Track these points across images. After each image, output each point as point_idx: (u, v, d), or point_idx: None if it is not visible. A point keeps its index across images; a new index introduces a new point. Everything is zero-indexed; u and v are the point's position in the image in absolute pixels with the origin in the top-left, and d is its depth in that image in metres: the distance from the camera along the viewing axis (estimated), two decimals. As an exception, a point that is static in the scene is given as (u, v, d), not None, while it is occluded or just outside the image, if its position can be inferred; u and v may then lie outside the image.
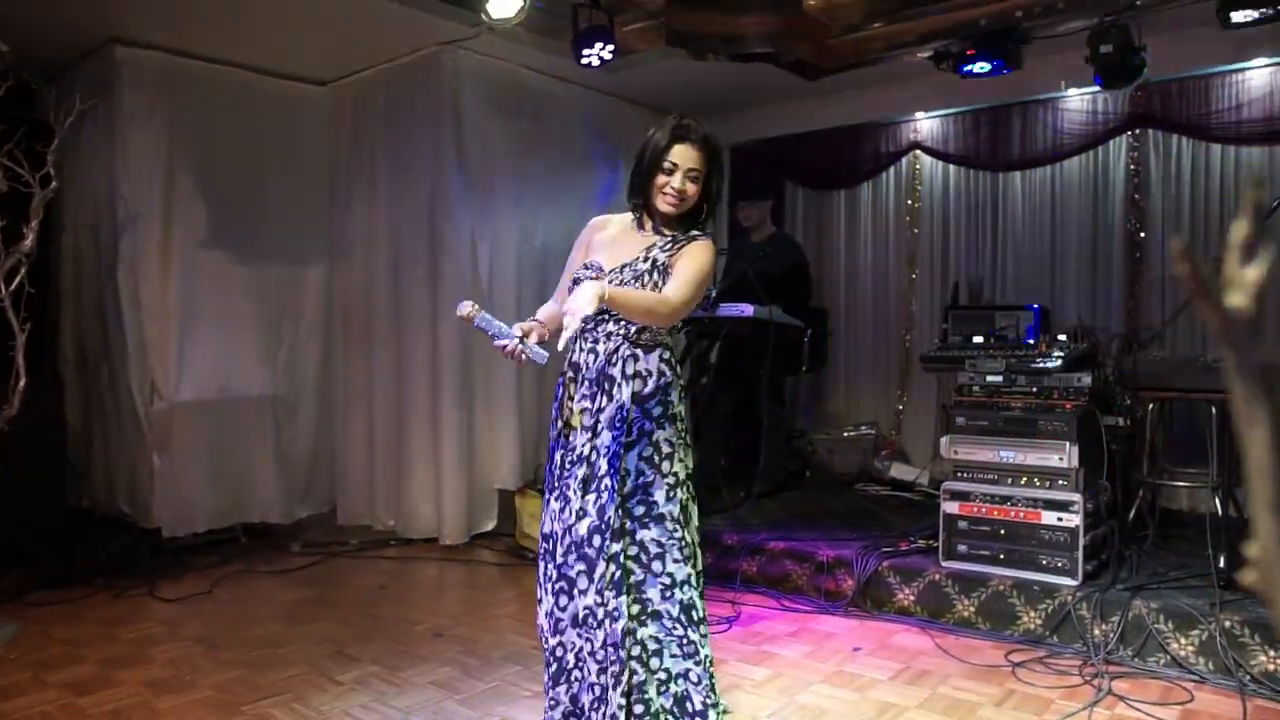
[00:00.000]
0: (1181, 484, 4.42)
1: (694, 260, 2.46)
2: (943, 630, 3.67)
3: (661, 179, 2.48)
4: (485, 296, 5.21)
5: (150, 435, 4.76)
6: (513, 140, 5.40)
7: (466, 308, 2.31)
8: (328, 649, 3.51)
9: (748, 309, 4.79)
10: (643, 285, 2.46)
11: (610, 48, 4.45)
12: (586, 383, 2.51)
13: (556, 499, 2.53)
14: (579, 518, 2.47)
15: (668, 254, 2.49)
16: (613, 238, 2.62)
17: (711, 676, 2.50)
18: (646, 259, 2.50)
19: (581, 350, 2.53)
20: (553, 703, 2.57)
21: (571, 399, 2.54)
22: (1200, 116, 4.84)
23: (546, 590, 2.56)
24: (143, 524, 4.80)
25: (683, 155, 2.46)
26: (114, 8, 4.40)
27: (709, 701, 2.47)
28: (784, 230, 5.93)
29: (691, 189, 2.48)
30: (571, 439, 2.54)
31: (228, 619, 3.89)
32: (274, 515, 5.29)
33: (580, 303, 2.16)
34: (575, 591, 2.50)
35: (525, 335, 2.35)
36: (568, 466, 2.53)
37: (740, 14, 4.92)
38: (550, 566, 2.56)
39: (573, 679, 2.56)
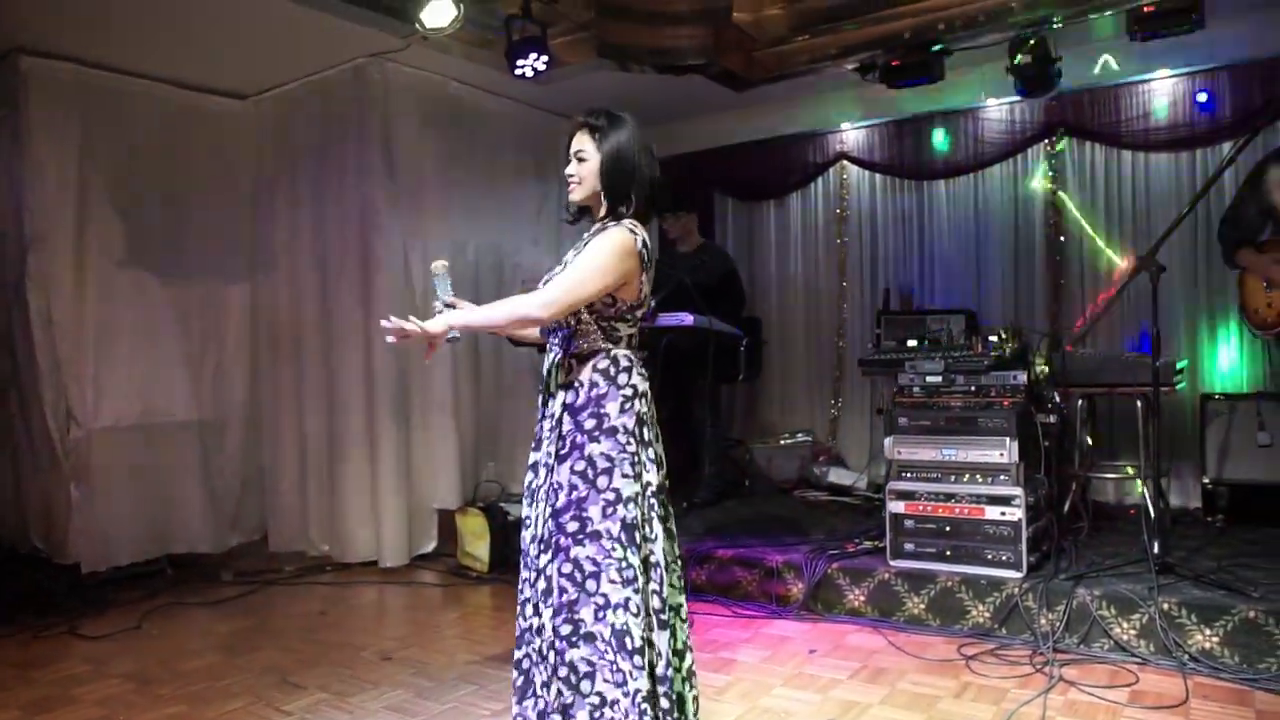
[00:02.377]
0: (1110, 476, 4.58)
1: (584, 253, 2.40)
2: (894, 628, 3.72)
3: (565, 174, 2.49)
4: (418, 309, 5.09)
5: (66, 464, 4.52)
6: (443, 153, 5.32)
7: (438, 265, 2.47)
8: (271, 679, 3.36)
9: (688, 318, 4.78)
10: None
11: (544, 59, 4.45)
12: (540, 393, 2.49)
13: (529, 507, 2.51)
14: (526, 527, 2.46)
15: (577, 251, 2.45)
16: (573, 247, 2.59)
17: (642, 714, 2.29)
18: (563, 262, 2.46)
19: (544, 360, 2.51)
20: (518, 717, 2.49)
21: (540, 405, 2.51)
22: (1110, 125, 5.06)
23: (519, 600, 2.51)
24: (58, 559, 4.55)
25: (574, 141, 2.46)
26: (17, 14, 4.19)
27: None
28: (711, 240, 5.97)
29: (581, 169, 2.43)
30: (532, 454, 2.51)
31: (159, 654, 3.70)
32: (202, 545, 5.07)
33: (429, 325, 2.27)
34: (526, 603, 2.46)
35: (452, 305, 2.40)
36: (530, 476, 2.50)
37: (669, 26, 4.97)
38: (520, 578, 2.51)
39: (538, 695, 2.49)
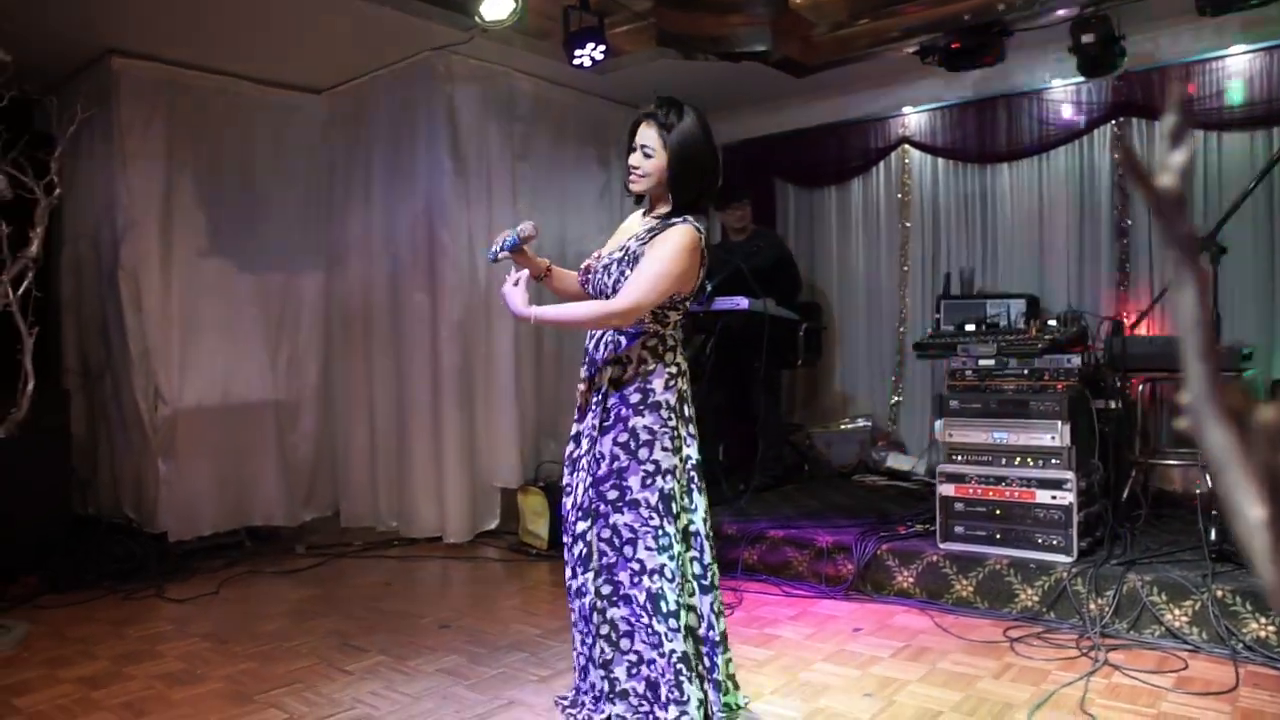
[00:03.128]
0: (1173, 463, 4.48)
1: (655, 253, 2.45)
2: (942, 610, 3.73)
3: (629, 161, 2.55)
4: (484, 296, 5.28)
5: (155, 441, 4.81)
6: (507, 143, 5.47)
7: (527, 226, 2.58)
8: (335, 642, 3.55)
9: (743, 302, 4.86)
10: (609, 275, 2.51)
11: (602, 48, 4.53)
12: (588, 365, 2.61)
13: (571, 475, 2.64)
14: (567, 494, 2.58)
15: (641, 244, 2.51)
16: (624, 227, 2.70)
17: (678, 674, 2.40)
18: (623, 249, 2.54)
19: (590, 335, 2.62)
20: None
21: (582, 380, 2.63)
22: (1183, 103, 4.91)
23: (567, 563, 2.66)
24: (148, 529, 4.84)
25: (640, 134, 2.52)
26: (111, 20, 4.47)
27: (673, 697, 2.40)
28: (765, 227, 5.97)
29: (646, 164, 2.50)
30: (575, 425, 2.62)
31: (235, 617, 3.94)
32: (278, 518, 5.33)
33: (513, 302, 2.45)
34: (568, 565, 2.60)
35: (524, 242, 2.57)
36: (571, 446, 2.62)
37: (728, 14, 5.01)
38: (566, 540, 2.65)
39: (577, 641, 2.64)
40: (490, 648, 3.45)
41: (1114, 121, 5.17)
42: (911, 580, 3.89)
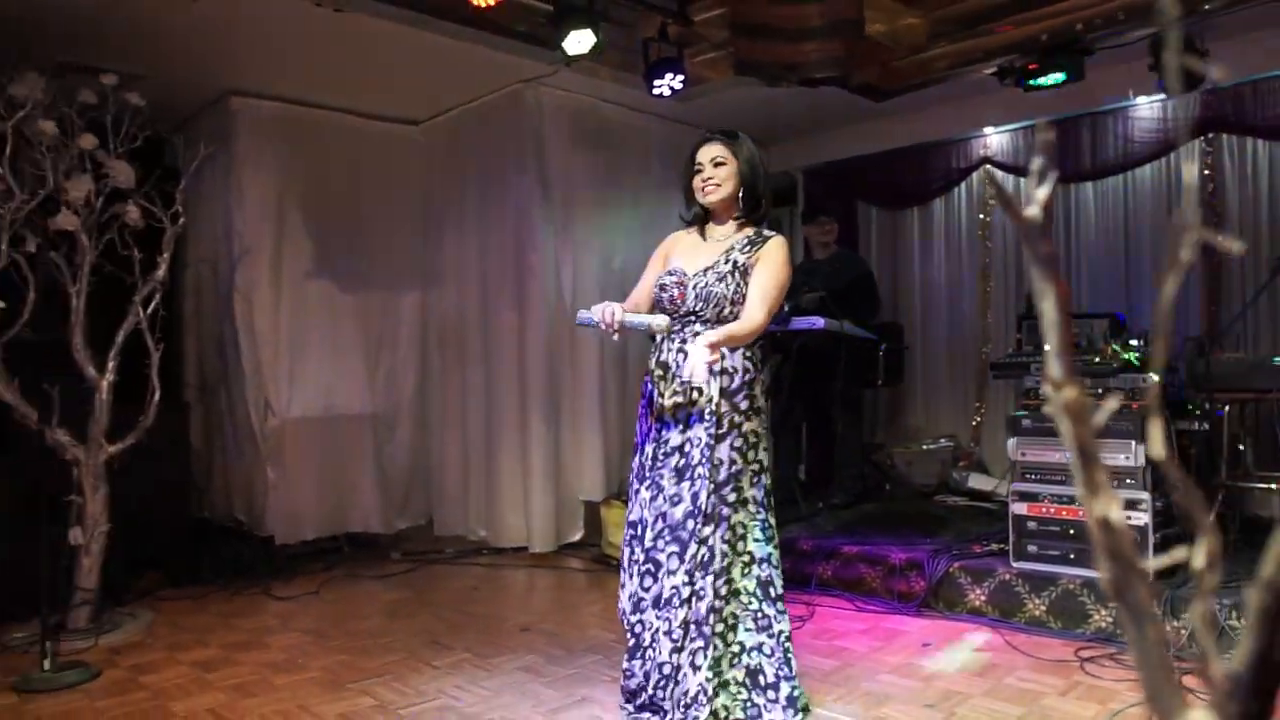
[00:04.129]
0: (1260, 486, 4.36)
1: (768, 267, 2.72)
2: (1013, 629, 3.73)
3: (698, 181, 2.80)
4: (570, 316, 5.49)
5: (264, 450, 5.17)
6: (593, 169, 5.70)
7: (664, 321, 2.68)
8: (424, 640, 3.78)
9: (819, 322, 4.94)
10: (726, 286, 2.72)
11: (680, 78, 4.71)
12: (677, 380, 2.76)
13: (647, 488, 2.78)
14: (674, 503, 2.70)
15: (746, 255, 2.76)
16: (691, 246, 2.91)
17: (787, 652, 2.66)
18: (728, 261, 2.76)
19: (669, 350, 2.79)
20: (629, 673, 2.80)
21: (663, 395, 2.79)
22: (1275, 118, 4.81)
23: (631, 574, 2.79)
24: (257, 532, 5.20)
25: (704, 152, 2.80)
26: (230, 63, 4.88)
27: (782, 674, 2.64)
28: (847, 248, 6.05)
29: (720, 173, 2.77)
30: (664, 433, 2.77)
31: (334, 615, 4.22)
32: (375, 525, 5.64)
33: (698, 370, 2.47)
34: (662, 573, 2.72)
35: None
36: (660, 458, 2.77)
37: (802, 42, 5.13)
38: (638, 551, 2.79)
39: (646, 656, 2.77)
40: (568, 650, 3.63)
41: (1203, 137, 5.08)
42: (984, 598, 3.91)
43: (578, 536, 5.57)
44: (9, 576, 3.79)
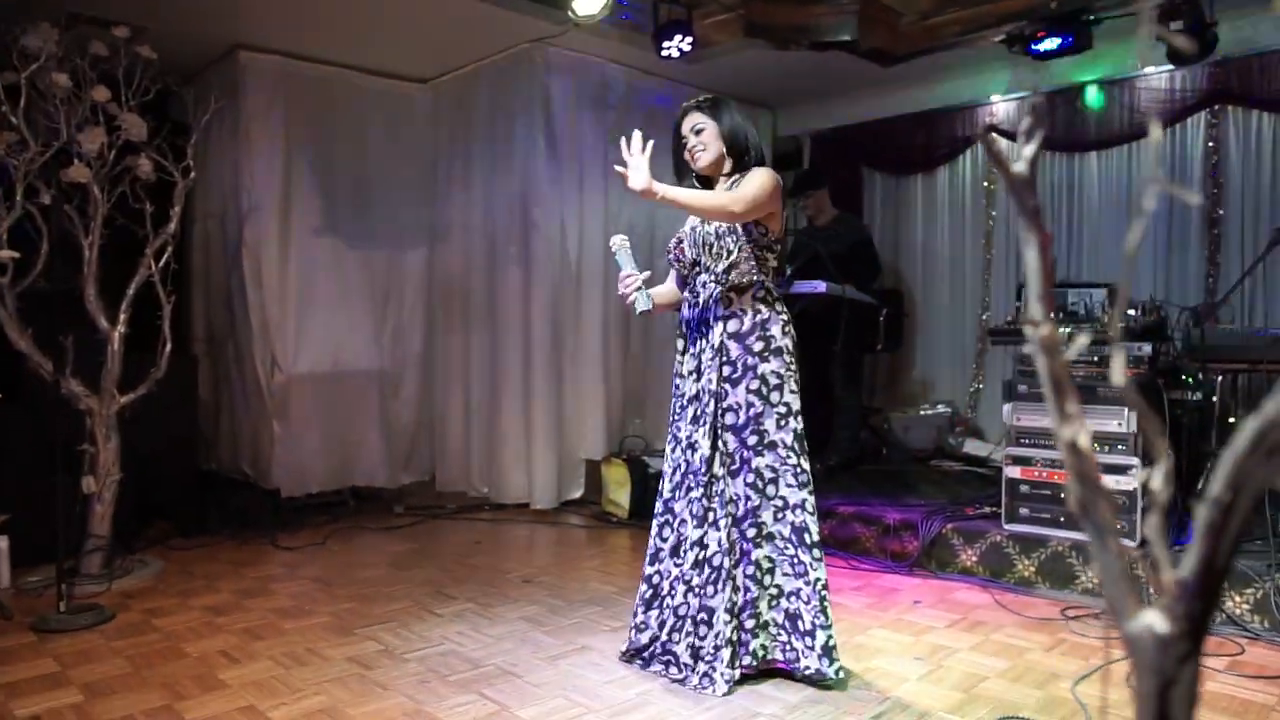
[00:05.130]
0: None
1: (753, 177, 2.75)
2: (1003, 588, 3.83)
3: (686, 154, 2.87)
4: (575, 276, 5.56)
5: (271, 405, 5.24)
6: (599, 130, 5.71)
7: (616, 240, 2.83)
8: (428, 589, 3.88)
9: (821, 286, 5.00)
10: (718, 225, 2.79)
11: (689, 40, 4.72)
12: (690, 331, 2.86)
13: (669, 441, 2.90)
14: (692, 450, 2.80)
15: (730, 188, 2.81)
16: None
17: (823, 599, 2.70)
18: (692, 230, 2.90)
19: (686, 304, 2.89)
20: (642, 625, 2.91)
21: (681, 351, 2.89)
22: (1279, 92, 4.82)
23: (652, 526, 2.91)
24: (263, 485, 5.29)
25: (685, 124, 2.87)
26: (238, 17, 4.88)
27: (819, 622, 2.70)
28: (848, 213, 6.08)
29: (702, 138, 2.83)
30: (680, 385, 2.89)
31: (339, 565, 4.32)
32: (379, 480, 5.73)
33: (635, 179, 2.59)
34: (677, 523, 2.83)
35: (636, 278, 2.78)
36: (678, 411, 2.89)
37: (813, 4, 5.13)
38: (658, 503, 2.92)
39: (664, 605, 2.88)
40: (568, 601, 3.73)
41: (1209, 109, 5.09)
42: (975, 559, 4.00)
43: (578, 494, 5.67)
44: (25, 523, 3.89)
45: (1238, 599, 3.33)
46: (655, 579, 2.92)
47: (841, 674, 2.74)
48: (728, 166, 2.86)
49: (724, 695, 2.67)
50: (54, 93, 3.78)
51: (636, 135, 2.65)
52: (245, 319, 5.27)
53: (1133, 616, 0.64)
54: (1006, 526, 3.97)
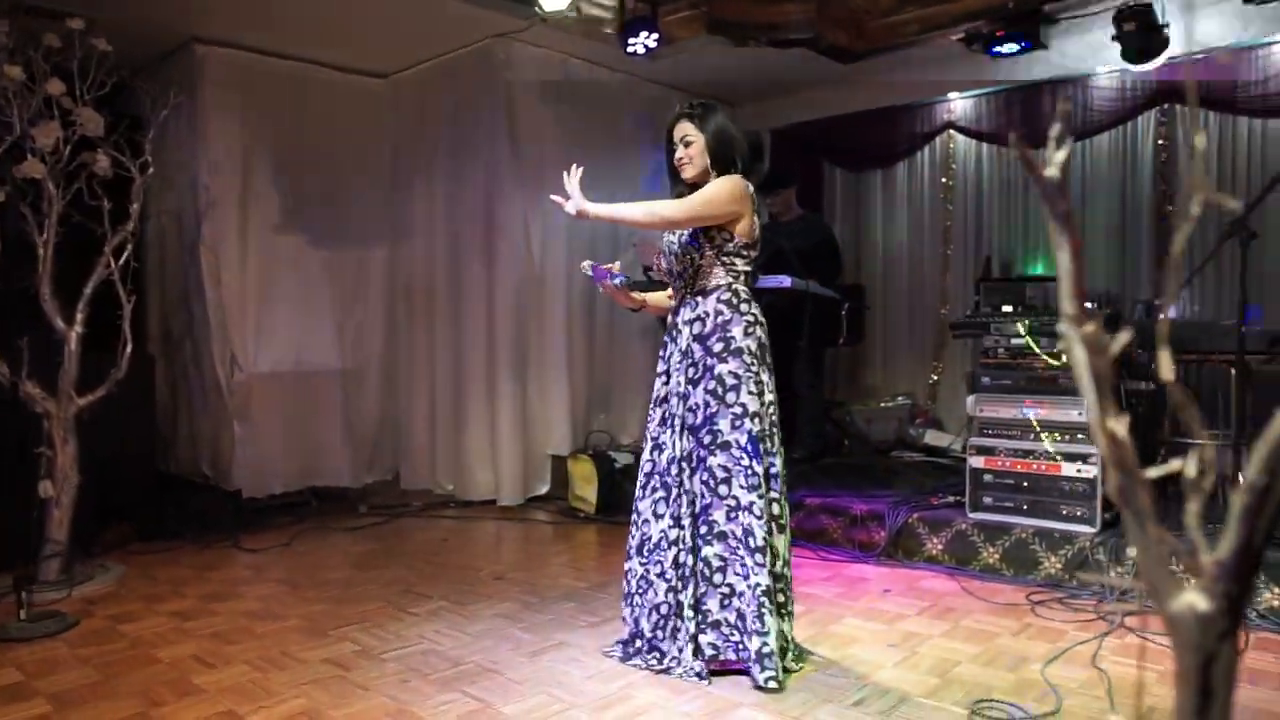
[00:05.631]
0: (1197, 442, 4.56)
1: (710, 184, 2.82)
2: (969, 576, 3.92)
3: (675, 161, 2.92)
4: (539, 273, 5.54)
5: (231, 404, 5.16)
6: (563, 126, 5.70)
7: (584, 266, 2.93)
8: (399, 589, 3.85)
9: (786, 281, 5.05)
10: (681, 242, 2.87)
11: (655, 36, 4.74)
12: (667, 336, 2.94)
13: (645, 442, 2.96)
14: (660, 451, 2.87)
15: None
16: None
17: (761, 606, 2.68)
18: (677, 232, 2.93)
19: (670, 311, 2.97)
20: (623, 619, 2.95)
21: (661, 356, 2.97)
22: (1227, 91, 4.98)
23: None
24: (224, 486, 5.20)
25: (676, 132, 2.90)
26: (193, 9, 4.78)
27: (754, 628, 2.70)
28: (811, 211, 6.15)
29: (689, 150, 2.87)
30: (656, 388, 2.96)
31: (306, 566, 4.27)
32: (343, 479, 5.67)
33: (569, 206, 2.77)
34: (641, 521, 2.89)
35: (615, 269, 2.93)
36: (652, 412, 2.96)
37: (776, 2, 5.18)
38: (635, 503, 2.97)
39: (634, 602, 2.93)
40: (542, 597, 3.73)
41: (1159, 108, 5.24)
42: (941, 547, 4.09)
43: (544, 490, 5.66)
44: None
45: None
46: (629, 577, 2.96)
47: (772, 684, 2.66)
48: (713, 177, 2.88)
49: (706, 685, 2.70)
50: (6, 86, 3.67)
51: (573, 168, 2.81)
52: (204, 317, 5.18)
53: (1174, 597, 0.67)
54: (971, 515, 4.05)
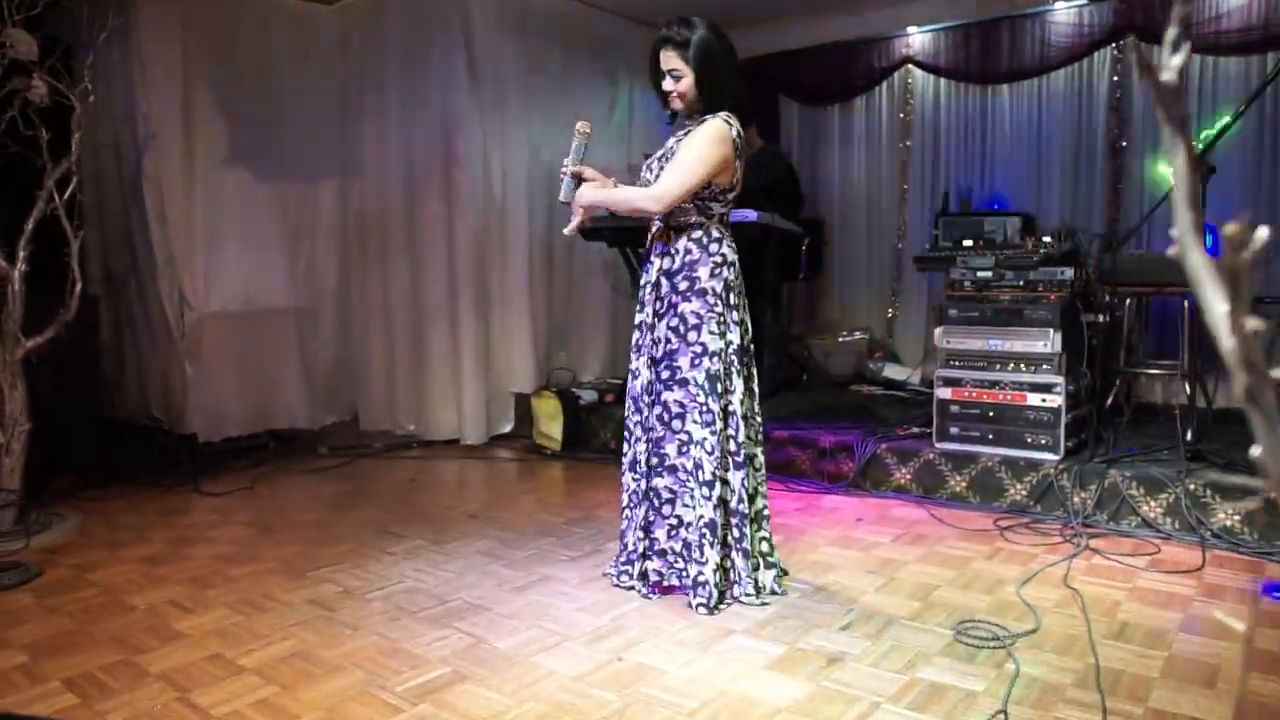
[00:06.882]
0: (1154, 372, 4.74)
1: (686, 145, 2.76)
2: (937, 504, 4.02)
3: (661, 87, 2.82)
4: (499, 207, 5.43)
5: (182, 345, 4.98)
6: (521, 59, 5.54)
7: (583, 125, 2.89)
8: (373, 529, 3.81)
9: (751, 215, 5.02)
10: (652, 174, 2.84)
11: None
12: (643, 267, 2.94)
13: (631, 364, 2.99)
14: (633, 378, 2.93)
15: (678, 140, 2.83)
16: (673, 135, 2.93)
17: (702, 537, 2.75)
18: (667, 149, 2.87)
19: (649, 236, 2.94)
20: (621, 534, 3.06)
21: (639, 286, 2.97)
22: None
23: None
24: (177, 430, 5.04)
25: (663, 60, 2.79)
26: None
27: (694, 556, 2.79)
28: (773, 144, 6.13)
29: (679, 85, 2.78)
30: (635, 317, 2.96)
31: (274, 509, 4.19)
32: (300, 421, 5.55)
33: (581, 196, 2.82)
34: (632, 440, 2.93)
35: (578, 174, 2.87)
36: (633, 341, 2.97)
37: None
38: (626, 419, 3.01)
39: (624, 516, 2.99)
40: (519, 533, 3.72)
41: (1115, 44, 5.29)
42: (909, 477, 4.18)
43: (508, 428, 5.63)
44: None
45: (1152, 503, 3.58)
46: (622, 491, 3.04)
47: (701, 610, 2.75)
48: (700, 106, 2.82)
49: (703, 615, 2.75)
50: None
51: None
52: (149, 255, 4.96)
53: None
54: (938, 445, 4.14)
